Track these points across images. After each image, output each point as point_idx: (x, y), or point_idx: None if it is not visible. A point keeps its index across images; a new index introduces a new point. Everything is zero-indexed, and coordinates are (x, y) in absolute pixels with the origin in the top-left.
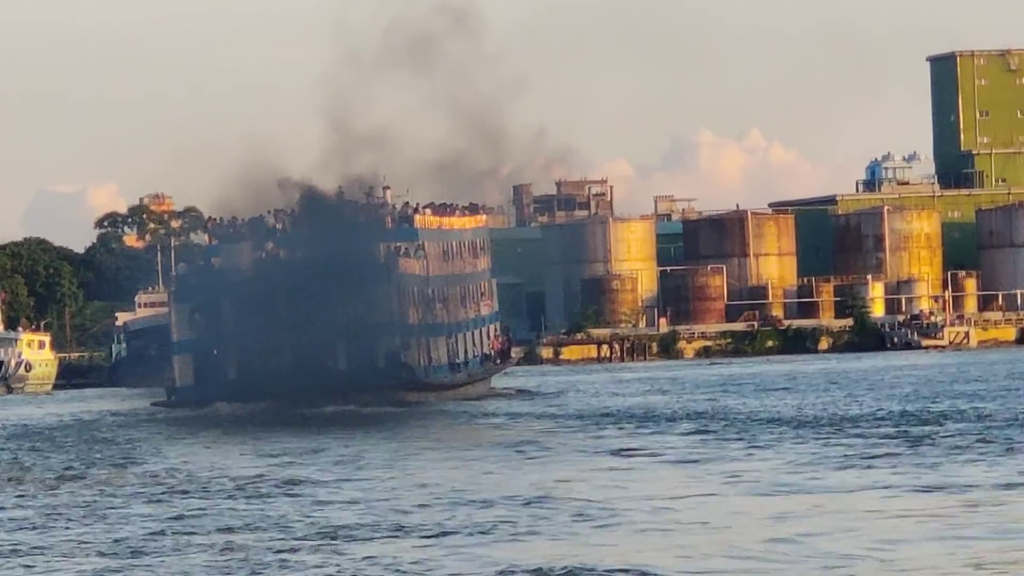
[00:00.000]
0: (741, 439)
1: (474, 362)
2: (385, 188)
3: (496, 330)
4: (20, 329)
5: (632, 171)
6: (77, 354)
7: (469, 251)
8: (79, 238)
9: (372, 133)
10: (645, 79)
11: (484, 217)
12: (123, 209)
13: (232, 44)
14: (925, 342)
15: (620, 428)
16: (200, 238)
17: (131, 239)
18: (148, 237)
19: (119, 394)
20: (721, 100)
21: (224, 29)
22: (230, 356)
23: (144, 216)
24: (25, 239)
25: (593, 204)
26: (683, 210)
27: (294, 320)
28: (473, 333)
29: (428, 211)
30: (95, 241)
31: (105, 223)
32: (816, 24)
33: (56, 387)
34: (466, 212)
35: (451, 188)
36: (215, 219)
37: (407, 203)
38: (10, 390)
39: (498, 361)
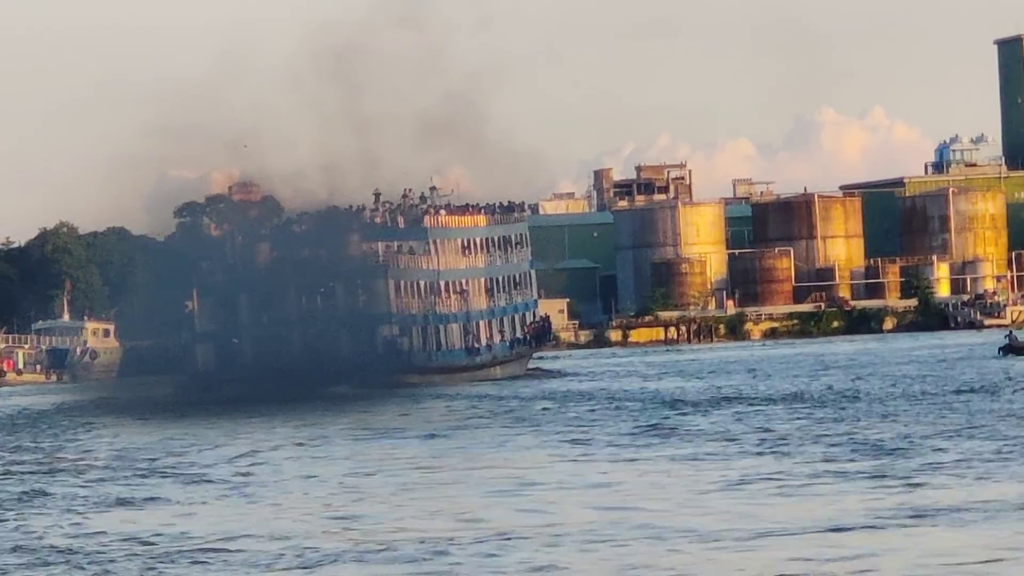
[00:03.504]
0: None
1: (501, 346)
2: (432, 188)
3: (534, 316)
4: (85, 318)
5: (755, 151)
6: (149, 342)
7: (498, 246)
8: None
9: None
10: (770, 58)
11: (524, 214)
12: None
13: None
14: (988, 321)
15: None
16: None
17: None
18: (226, 226)
19: (163, 381)
20: (844, 78)
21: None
22: (246, 344)
23: (222, 205)
24: (107, 229)
25: (672, 188)
26: (761, 192)
27: (303, 312)
28: (501, 320)
29: (444, 212)
30: (174, 230)
31: (184, 212)
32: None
33: (123, 374)
34: (498, 211)
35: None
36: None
37: (417, 204)
38: (75, 378)
39: (533, 345)
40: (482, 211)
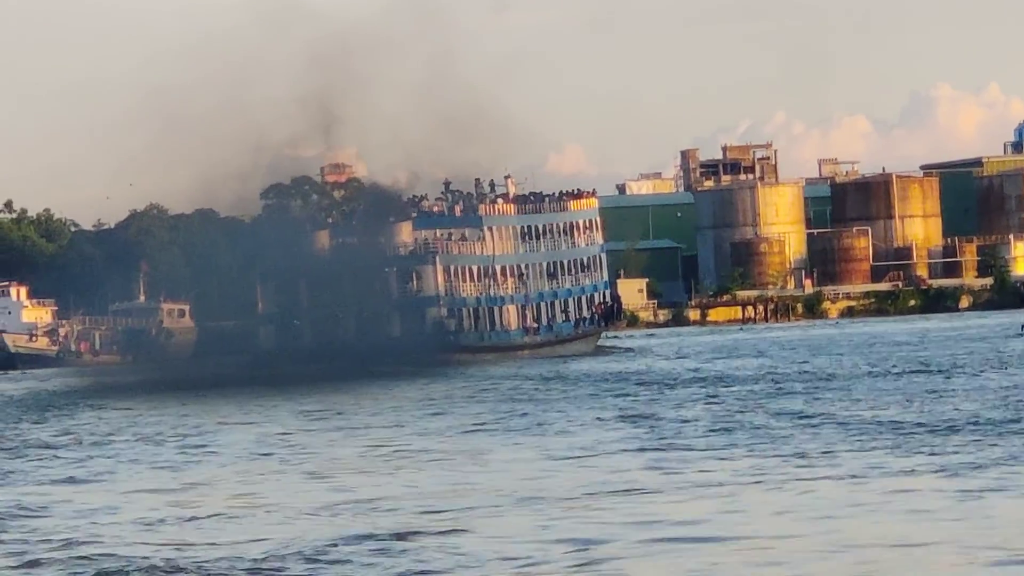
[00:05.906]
0: None
1: (563, 325)
2: (506, 177)
3: (603, 297)
4: (161, 299)
5: (871, 127)
6: (227, 322)
7: (563, 232)
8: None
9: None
10: (885, 34)
11: (593, 201)
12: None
13: None
14: None
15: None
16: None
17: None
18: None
19: (229, 361)
20: (961, 53)
21: None
22: (306, 326)
23: (307, 187)
24: (194, 211)
25: (758, 168)
26: (847, 172)
27: (357, 296)
28: (566, 301)
29: (500, 200)
30: (260, 212)
31: (271, 194)
32: None
33: (197, 354)
34: (564, 199)
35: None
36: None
37: (470, 194)
38: (150, 359)
39: (601, 324)
40: (527, 201)
